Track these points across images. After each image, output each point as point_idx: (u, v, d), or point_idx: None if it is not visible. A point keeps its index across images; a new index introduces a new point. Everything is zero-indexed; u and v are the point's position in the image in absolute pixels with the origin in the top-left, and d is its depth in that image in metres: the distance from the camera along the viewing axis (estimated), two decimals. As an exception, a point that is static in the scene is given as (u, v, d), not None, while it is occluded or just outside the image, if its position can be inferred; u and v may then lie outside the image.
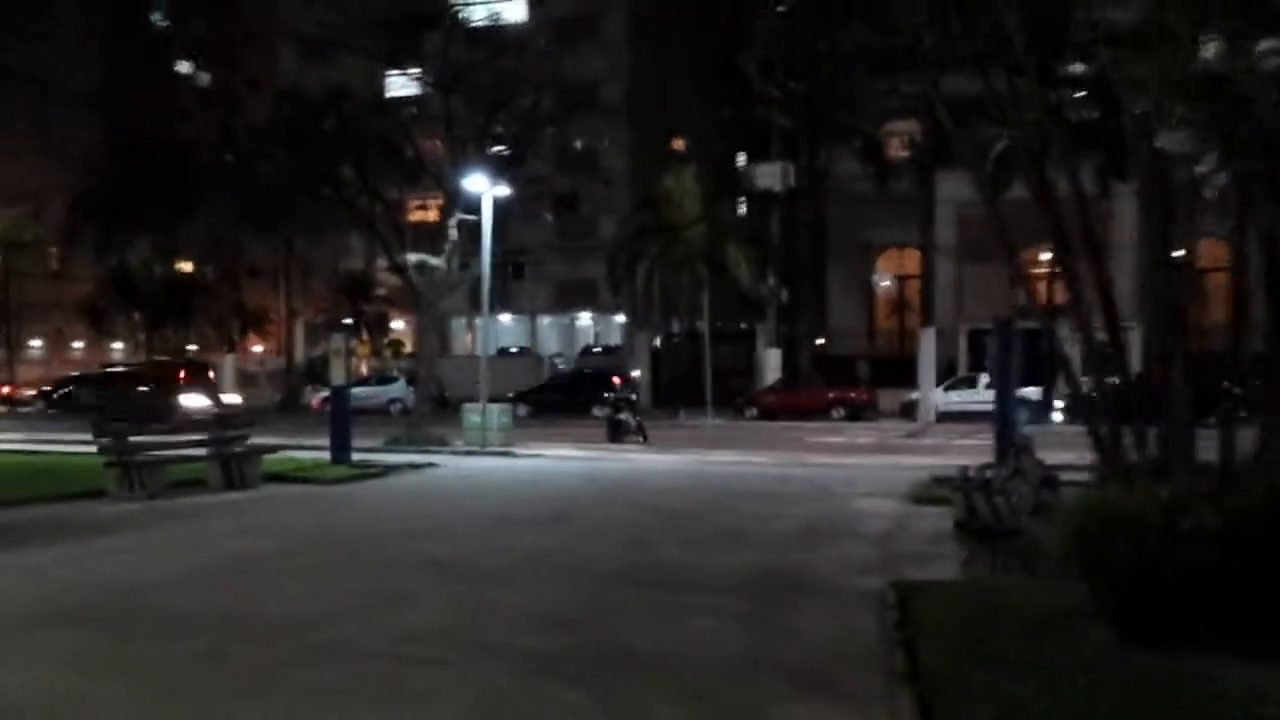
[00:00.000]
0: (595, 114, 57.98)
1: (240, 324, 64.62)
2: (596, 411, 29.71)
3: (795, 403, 41.74)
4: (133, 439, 17.72)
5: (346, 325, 68.53)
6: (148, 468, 17.26)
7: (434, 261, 26.62)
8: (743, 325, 52.63)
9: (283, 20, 62.30)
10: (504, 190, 25.24)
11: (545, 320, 64.47)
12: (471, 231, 26.46)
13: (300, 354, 71.31)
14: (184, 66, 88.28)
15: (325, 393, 54.00)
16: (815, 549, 12.46)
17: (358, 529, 13.88)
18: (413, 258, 26.50)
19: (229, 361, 58.97)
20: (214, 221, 45.46)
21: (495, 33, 54.45)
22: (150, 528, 14.08)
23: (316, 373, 62.48)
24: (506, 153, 30.46)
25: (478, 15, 58.58)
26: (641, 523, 14.05)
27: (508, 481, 19.25)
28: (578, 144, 57.80)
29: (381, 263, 28.70)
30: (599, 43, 59.23)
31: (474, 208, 25.69)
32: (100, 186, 58.72)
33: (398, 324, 66.48)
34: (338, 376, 21.10)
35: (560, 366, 60.30)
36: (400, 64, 34.25)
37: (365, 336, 62.59)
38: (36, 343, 78.16)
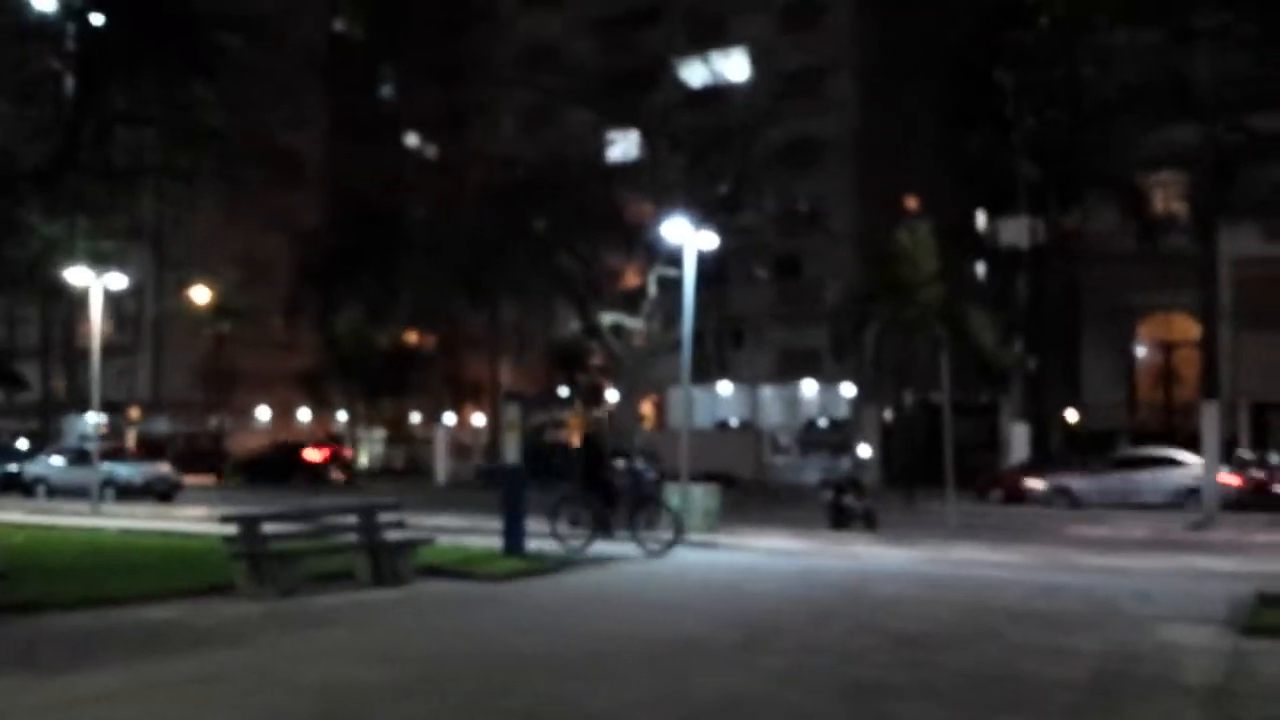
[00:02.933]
0: (819, 171, 54.87)
1: (453, 394, 63.46)
2: (821, 495, 25.97)
3: (1048, 485, 36.87)
4: (266, 527, 15.14)
5: (558, 396, 67.11)
6: (280, 560, 14.61)
7: (630, 322, 23.69)
8: (983, 397, 48.08)
9: (505, 91, 61.71)
10: (711, 240, 22.10)
11: (767, 391, 60.93)
12: (677, 290, 23.48)
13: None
14: (410, 139, 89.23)
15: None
16: (1120, 712, 8.68)
17: (499, 652, 10.70)
18: (608, 318, 23.61)
19: (439, 432, 57.68)
20: (418, 285, 44.08)
21: (715, 91, 52.16)
22: (252, 642, 11.29)
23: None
24: (721, 210, 27.47)
25: (698, 75, 56.64)
26: (867, 656, 10.43)
27: (702, 584, 15.82)
28: (800, 203, 54.49)
29: (575, 324, 25.87)
30: (825, 97, 56.10)
31: (679, 262, 22.61)
32: (322, 257, 58.76)
33: (615, 395, 64.17)
34: (511, 453, 18.17)
35: (783, 442, 56.71)
36: (618, 125, 32.35)
37: (578, 409, 60.51)
38: (264, 413, 79.22)
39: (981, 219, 55.45)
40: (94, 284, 30.48)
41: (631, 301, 23.97)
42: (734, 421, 60.17)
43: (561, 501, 20.29)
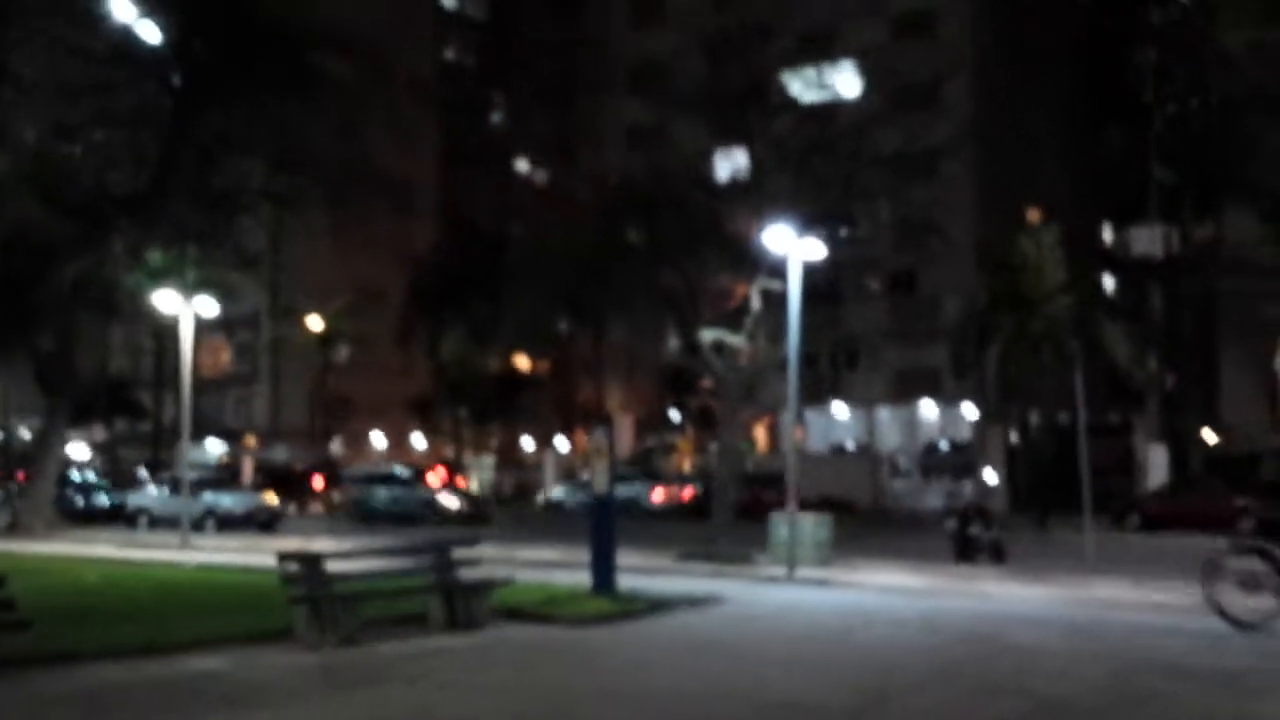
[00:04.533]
0: (935, 182, 52.58)
1: (562, 419, 62.36)
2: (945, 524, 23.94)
3: (1191, 511, 34.07)
4: (327, 568, 13.78)
5: (669, 420, 65.64)
6: (341, 603, 13.23)
7: (732, 339, 22.01)
8: (1114, 417, 45.36)
9: (614, 110, 60.82)
10: (816, 249, 20.33)
11: (884, 413, 58.59)
12: (783, 305, 21.78)
13: (626, 450, 68.66)
14: (521, 164, 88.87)
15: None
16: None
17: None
18: (708, 335, 21.95)
19: (549, 457, 56.59)
20: (521, 307, 42.93)
21: (827, 105, 50.29)
22: (285, 703, 9.89)
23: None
24: (830, 221, 25.68)
25: (809, 88, 54.82)
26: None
27: (810, 630, 13.98)
28: (915, 215, 52.14)
29: (674, 342, 24.28)
30: (940, 105, 53.74)
31: (784, 274, 20.88)
32: (431, 282, 58.31)
33: (727, 418, 62.37)
34: (600, 482, 16.59)
35: (903, 466, 54.39)
36: (726, 141, 30.90)
37: (689, 432, 58.96)
38: (379, 439, 79.07)
39: (1109, 229, 52.77)
40: (184, 310, 29.73)
41: (734, 318, 22.27)
42: (850, 445, 58.01)
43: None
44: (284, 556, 13.74)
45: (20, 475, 49.74)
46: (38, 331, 13.93)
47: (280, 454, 68.33)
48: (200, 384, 79.26)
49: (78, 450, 69.04)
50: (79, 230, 34.02)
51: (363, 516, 41.71)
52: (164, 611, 15.10)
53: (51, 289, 12.83)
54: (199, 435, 76.95)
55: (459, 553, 14.88)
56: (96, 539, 31.31)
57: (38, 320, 13.25)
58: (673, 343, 24.39)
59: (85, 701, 9.93)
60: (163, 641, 12.59)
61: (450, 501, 42.99)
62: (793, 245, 19.89)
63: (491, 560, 22.95)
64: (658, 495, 49.16)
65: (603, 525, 16.40)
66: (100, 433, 68.82)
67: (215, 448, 75.15)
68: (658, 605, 15.48)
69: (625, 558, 22.55)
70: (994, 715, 8.93)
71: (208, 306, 30.72)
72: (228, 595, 17.03)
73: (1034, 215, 48.94)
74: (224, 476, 44.77)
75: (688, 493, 47.70)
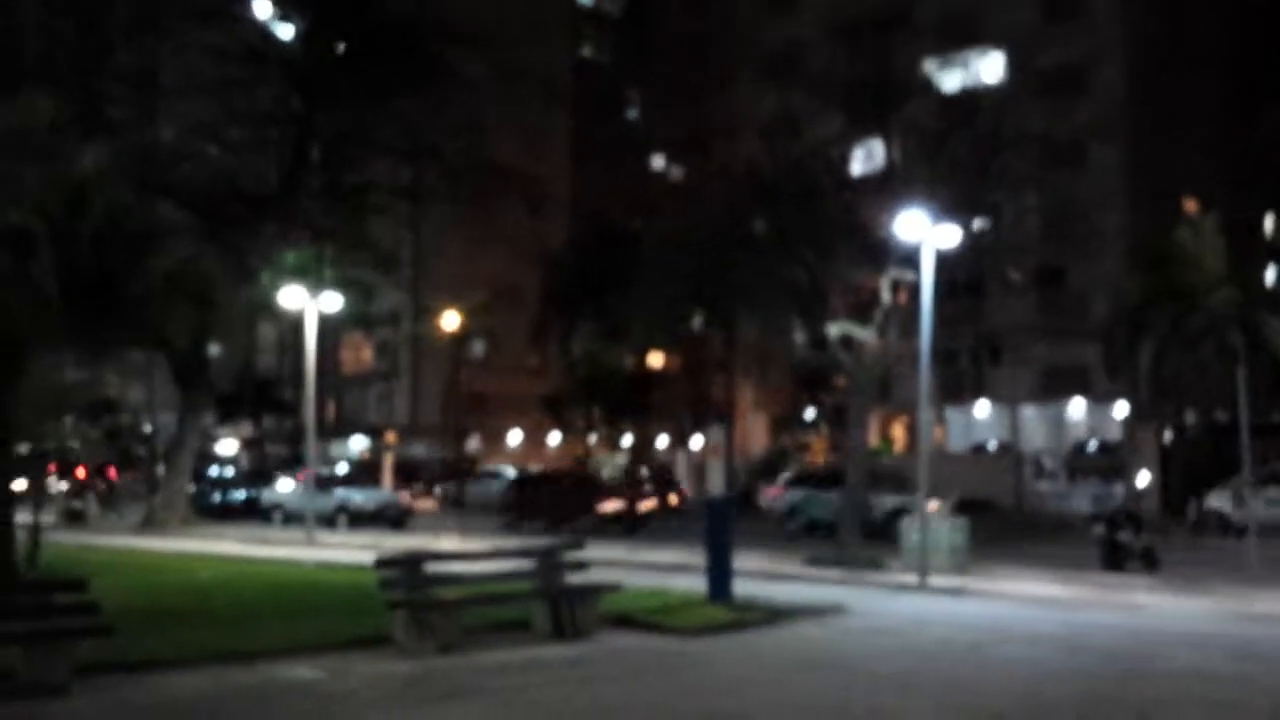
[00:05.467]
0: (1085, 171, 50.42)
1: (695, 417, 61.45)
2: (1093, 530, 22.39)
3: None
4: (429, 569, 13.16)
5: (803, 419, 64.29)
6: (440, 610, 12.59)
7: (860, 333, 20.87)
8: (1274, 415, 42.74)
9: (750, 104, 59.89)
10: (951, 236, 19.07)
11: (1028, 411, 56.33)
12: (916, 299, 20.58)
13: (760, 449, 67.45)
14: (656, 160, 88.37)
15: (773, 489, 49.58)
16: None
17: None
18: (835, 329, 20.84)
19: (680, 457, 55.79)
20: (649, 302, 42.14)
21: (970, 94, 48.51)
22: (368, 718, 9.25)
23: (770, 469, 58.22)
24: (969, 209, 24.32)
25: (952, 77, 53.04)
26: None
27: (937, 648, 12.80)
28: (1064, 206, 49.94)
29: (799, 336, 23.16)
30: (1089, 92, 51.58)
31: (917, 265, 19.67)
32: (565, 280, 58.11)
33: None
34: (715, 483, 15.68)
35: (1048, 467, 52.24)
36: (863, 132, 29.71)
37: (824, 431, 57.56)
38: (516, 437, 79.38)
39: (1270, 220, 49.95)
40: (309, 307, 29.69)
41: (863, 311, 21.11)
42: (993, 444, 55.92)
43: None
44: (382, 561, 13.18)
45: (111, 472, 50.91)
46: (134, 326, 13.73)
47: (419, 451, 68.95)
48: (343, 381, 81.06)
49: (226, 446, 70.69)
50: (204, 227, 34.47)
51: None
52: (264, 615, 14.68)
53: (143, 282, 12.64)
54: (343, 432, 78.59)
55: (566, 556, 14.19)
56: (227, 535, 31.50)
57: (131, 315, 13.00)
58: (799, 337, 23.15)
59: (155, 715, 9.42)
60: (253, 649, 12.11)
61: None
62: (925, 232, 18.68)
63: (612, 562, 22.37)
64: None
65: (718, 529, 15.48)
66: (248, 429, 70.25)
67: (359, 444, 76.35)
68: (775, 615, 14.51)
69: (750, 561, 21.66)
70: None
71: (332, 303, 30.66)
72: (339, 596, 16.55)
73: (1191, 206, 46.54)
74: (354, 473, 44.75)
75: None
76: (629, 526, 34.84)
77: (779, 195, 23.08)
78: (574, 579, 13.99)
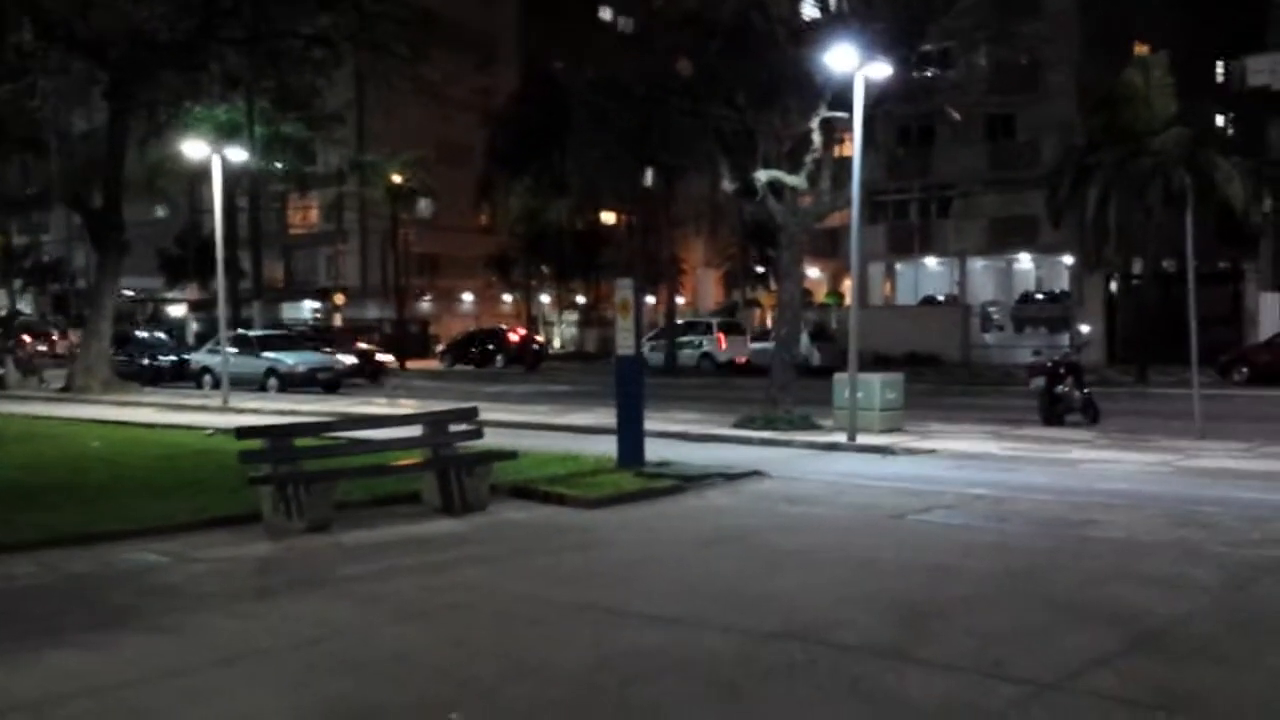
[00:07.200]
0: (1035, 17, 48.60)
1: (646, 275, 60.16)
2: (1031, 382, 21.46)
3: (1304, 364, 31.33)
4: (296, 441, 11.98)
5: (753, 274, 63.23)
6: (304, 485, 11.44)
7: (791, 180, 19.52)
8: (1223, 264, 42.07)
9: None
10: (883, 70, 17.61)
11: (977, 264, 55.42)
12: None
13: (711, 306, 66.49)
14: (604, 11, 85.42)
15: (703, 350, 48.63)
16: None
17: (491, 650, 7.20)
18: (763, 175, 19.47)
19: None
20: (586, 154, 40.59)
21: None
22: (182, 615, 8.11)
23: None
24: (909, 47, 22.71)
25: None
26: (1088, 676, 6.48)
27: (854, 515, 11.73)
28: (1014, 54, 48.23)
29: (727, 184, 21.76)
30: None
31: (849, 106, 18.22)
32: (508, 136, 56.07)
33: (812, 271, 59.90)
34: (624, 342, 14.49)
35: (995, 316, 51.60)
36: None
37: (773, 287, 56.43)
38: (467, 298, 78.12)
39: (1222, 65, 48.60)
40: (213, 158, 27.95)
41: (793, 157, 19.74)
42: (941, 298, 55.19)
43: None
44: (244, 431, 11.99)
45: (24, 338, 49.62)
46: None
47: (370, 312, 67.68)
48: (291, 242, 78.94)
49: (175, 310, 69.05)
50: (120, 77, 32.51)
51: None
52: (137, 488, 13.54)
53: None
54: (294, 295, 76.88)
55: (458, 426, 13.05)
56: (146, 401, 30.31)
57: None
58: (727, 185, 21.76)
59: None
60: (99, 528, 10.97)
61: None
62: (856, 66, 17.21)
63: (534, 426, 21.36)
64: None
65: (629, 390, 14.35)
66: (195, 292, 68.59)
67: (310, 307, 74.89)
68: (686, 482, 13.46)
69: (680, 423, 20.73)
70: (1072, 660, 6.70)
71: (238, 155, 28.92)
72: (227, 467, 15.35)
73: (1141, 50, 45.04)
74: (286, 334, 43.40)
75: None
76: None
77: (700, 31, 21.45)
78: (476, 446, 12.93)
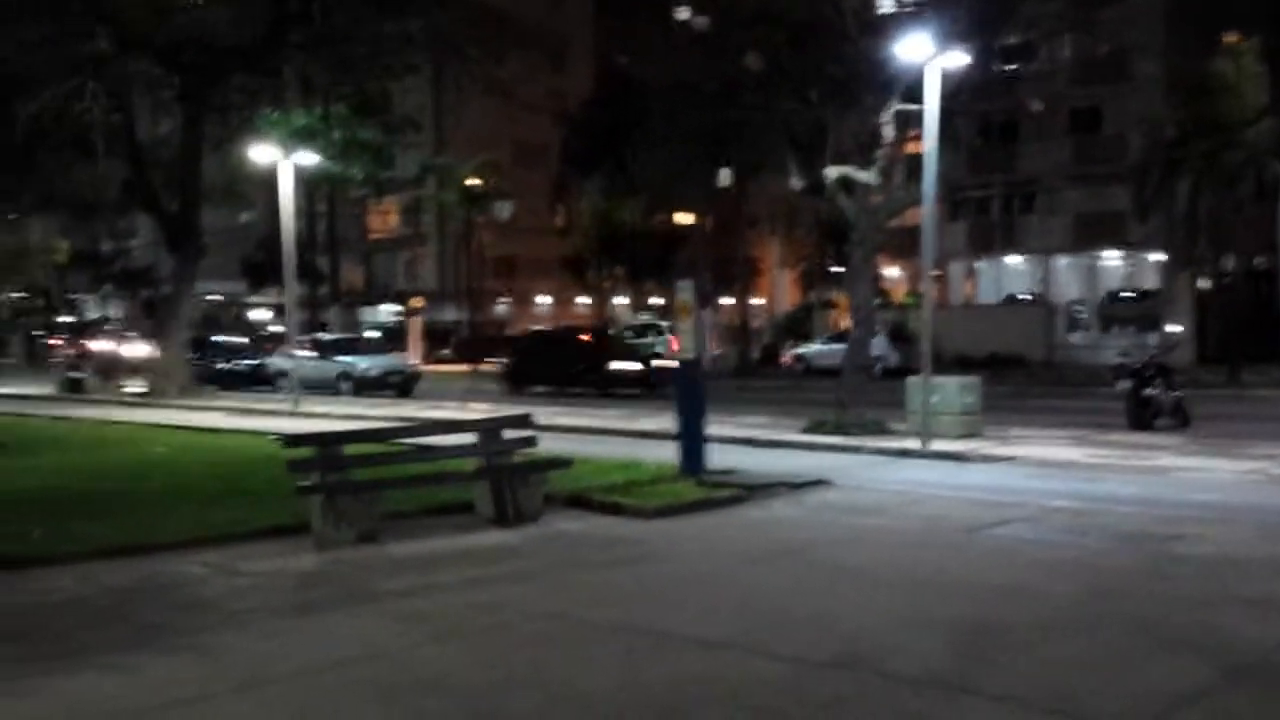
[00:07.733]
0: (1121, 7, 47.28)
1: (723, 277, 59.54)
2: (1118, 384, 20.61)
3: None
4: (343, 452, 11.62)
5: (830, 275, 62.30)
6: (352, 494, 11.10)
7: (862, 176, 18.90)
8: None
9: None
10: (958, 59, 16.93)
11: (1062, 261, 54.04)
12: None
13: (787, 307, 65.77)
14: (681, 12, 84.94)
15: (796, 350, 48.18)
16: None
17: (547, 679, 6.77)
18: (832, 171, 18.87)
19: (705, 315, 54.02)
20: (653, 156, 40.22)
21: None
22: (214, 633, 7.79)
23: (795, 327, 56.71)
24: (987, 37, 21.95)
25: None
26: (1180, 710, 5.87)
27: (917, 534, 10.96)
28: (1100, 45, 46.92)
29: (795, 181, 21.13)
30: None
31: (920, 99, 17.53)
32: (582, 138, 55.97)
33: (891, 271, 58.95)
34: (687, 345, 14.00)
35: (1081, 315, 50.32)
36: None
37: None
38: (544, 300, 78.12)
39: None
40: (280, 164, 27.93)
41: (864, 152, 19.09)
42: (1025, 297, 53.92)
43: None
44: (291, 439, 11.70)
45: (88, 345, 49.85)
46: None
47: (448, 315, 67.87)
48: (371, 247, 79.50)
49: (258, 315, 69.82)
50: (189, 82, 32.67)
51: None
52: (194, 496, 13.30)
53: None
54: (374, 299, 77.48)
55: (512, 433, 12.63)
56: (219, 405, 30.40)
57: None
58: (796, 182, 21.15)
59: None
60: (149, 539, 10.70)
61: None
62: (931, 56, 16.54)
63: (605, 431, 20.95)
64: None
65: (689, 395, 13.86)
66: (277, 296, 69.19)
67: (389, 311, 75.36)
68: (750, 491, 12.93)
69: (747, 427, 20.18)
70: (1157, 696, 6.07)
71: (307, 160, 28.89)
72: (282, 477, 15.12)
73: (1231, 40, 43.60)
74: (359, 338, 43.56)
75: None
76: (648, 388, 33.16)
77: (770, 26, 20.87)
78: (534, 454, 12.52)
